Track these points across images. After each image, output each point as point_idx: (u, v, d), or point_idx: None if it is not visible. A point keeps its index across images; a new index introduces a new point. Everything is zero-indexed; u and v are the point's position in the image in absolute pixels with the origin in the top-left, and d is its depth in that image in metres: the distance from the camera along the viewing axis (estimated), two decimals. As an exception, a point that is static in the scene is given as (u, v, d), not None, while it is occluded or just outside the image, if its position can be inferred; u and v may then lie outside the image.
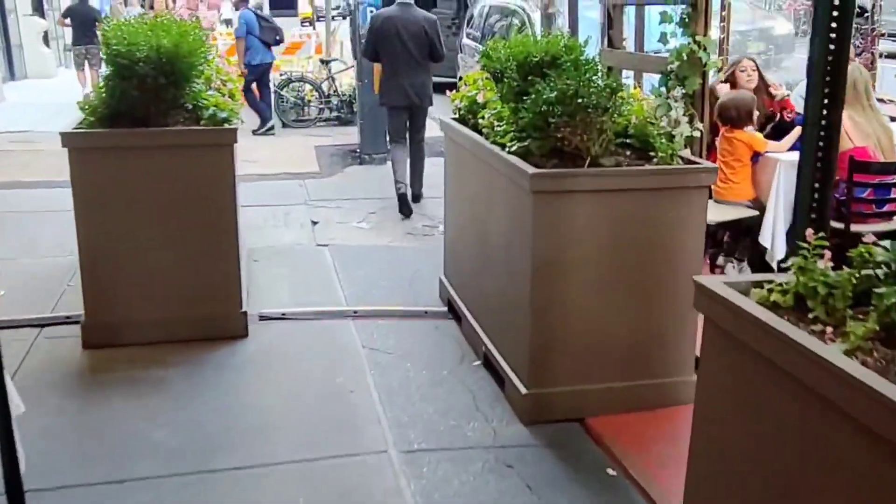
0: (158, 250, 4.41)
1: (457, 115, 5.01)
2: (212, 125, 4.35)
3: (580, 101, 3.59)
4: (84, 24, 14.84)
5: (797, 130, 5.40)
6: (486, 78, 4.81)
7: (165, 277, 4.45)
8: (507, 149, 3.89)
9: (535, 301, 3.69)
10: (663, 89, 4.13)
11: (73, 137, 4.25)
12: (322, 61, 12.52)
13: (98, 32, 15.74)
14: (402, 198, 7.42)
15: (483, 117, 4.42)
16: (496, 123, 4.18)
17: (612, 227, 3.64)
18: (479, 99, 4.59)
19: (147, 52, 4.26)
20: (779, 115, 5.74)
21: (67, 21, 15.30)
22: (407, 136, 7.78)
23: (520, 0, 10.10)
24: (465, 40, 11.71)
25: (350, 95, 11.91)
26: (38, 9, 18.91)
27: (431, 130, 9.48)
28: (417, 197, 7.75)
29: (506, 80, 4.18)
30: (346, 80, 12.41)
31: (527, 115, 3.76)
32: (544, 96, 3.68)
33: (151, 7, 12.60)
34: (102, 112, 4.38)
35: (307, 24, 20.61)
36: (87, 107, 4.46)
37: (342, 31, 16.03)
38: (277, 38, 11.66)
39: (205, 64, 4.81)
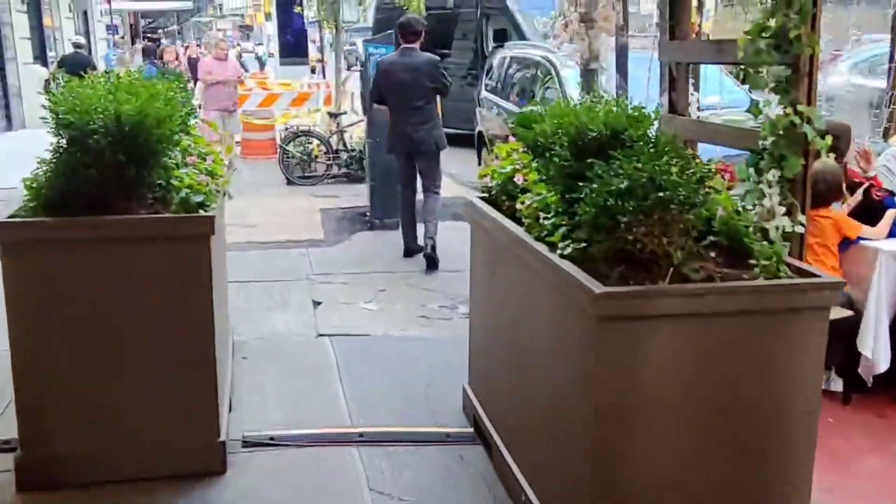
0: (114, 368, 3.51)
1: (486, 195, 4.14)
2: (183, 211, 3.47)
3: (661, 194, 2.70)
4: (77, 73, 14.56)
5: (892, 213, 4.51)
6: (524, 151, 3.95)
7: (122, 402, 3.54)
8: (558, 250, 3.00)
9: (596, 452, 2.77)
10: (752, 171, 3.26)
11: (6, 229, 3.38)
12: (331, 114, 11.74)
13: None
14: (407, 249, 7.42)
15: (523, 203, 3.54)
16: (542, 214, 3.29)
17: (703, 361, 2.73)
18: (519, 181, 3.71)
19: (104, 121, 3.41)
20: (862, 190, 4.85)
21: (62, 71, 14.62)
22: (419, 188, 7.53)
23: (544, 51, 9.27)
24: (484, 93, 10.93)
25: (360, 151, 11.10)
26: (41, 57, 18.34)
27: (450, 189, 8.66)
28: (431, 259, 7.16)
29: (553, 157, 3.30)
30: (357, 134, 11.63)
31: (587, 210, 2.86)
32: (611, 186, 2.79)
33: (161, 58, 12.00)
34: (49, 195, 3.51)
35: (314, 71, 20.01)
36: (32, 186, 3.60)
37: (353, 82, 15.34)
38: None
39: (181, 133, 3.97)
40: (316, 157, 11.19)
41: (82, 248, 3.43)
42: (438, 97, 7.42)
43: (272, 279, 6.81)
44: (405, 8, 11.73)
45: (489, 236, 3.91)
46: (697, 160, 2.97)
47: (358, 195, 9.68)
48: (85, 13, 25.54)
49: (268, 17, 29.87)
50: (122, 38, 38.65)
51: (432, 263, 7.15)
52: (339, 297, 6.42)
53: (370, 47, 8.37)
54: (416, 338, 5.61)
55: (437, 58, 7.52)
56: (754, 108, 3.27)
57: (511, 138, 4.23)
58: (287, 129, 11.71)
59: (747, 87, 4.23)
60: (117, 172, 3.49)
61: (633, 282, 2.82)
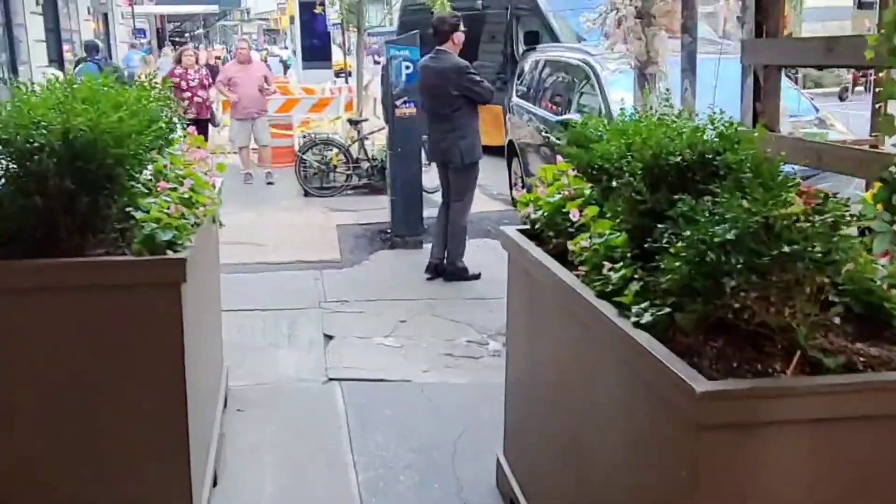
0: (61, 447, 2.79)
1: (527, 227, 3.38)
2: (147, 252, 2.74)
3: (788, 248, 1.93)
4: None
5: None
6: (575, 175, 3.19)
7: (67, 476, 2.81)
8: (632, 317, 2.24)
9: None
10: (881, 207, 2.48)
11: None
12: (351, 121, 11.02)
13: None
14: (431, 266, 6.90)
15: (578, 245, 2.77)
16: (606, 264, 2.52)
17: (845, 481, 1.95)
18: (574, 216, 2.95)
19: (47, 138, 2.69)
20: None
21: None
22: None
23: (582, 53, 8.47)
24: (515, 99, 10.16)
25: (382, 160, 10.37)
26: (57, 60, 17.78)
27: (479, 203, 7.90)
28: (435, 269, 6.88)
29: (620, 187, 2.54)
30: (379, 142, 10.92)
31: (675, 266, 2.10)
32: (710, 233, 2.03)
33: (179, 61, 11.30)
34: (-14, 230, 2.80)
35: (343, 75, 19.31)
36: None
37: (376, 86, 14.63)
38: None
39: (156, 150, 3.24)
40: (335, 166, 10.48)
41: (27, 298, 2.71)
42: (475, 104, 6.76)
43: (280, 307, 6.08)
44: (432, 10, 11.03)
45: (531, 279, 3.15)
46: (826, 196, 2.19)
47: (378, 209, 8.94)
48: (105, 16, 25.06)
49: (291, 20, 29.31)
50: (142, 42, 38.29)
51: (436, 274, 6.84)
52: (354, 330, 5.68)
53: (392, 48, 7.64)
54: (441, 384, 4.85)
55: (465, 63, 6.80)
56: (886, 124, 2.48)
57: (542, 147, 3.47)
58: (305, 136, 11.03)
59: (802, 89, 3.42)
60: (67, 201, 2.77)
61: (738, 363, 2.05)
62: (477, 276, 6.90)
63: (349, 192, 10.46)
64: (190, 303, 2.90)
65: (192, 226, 3.02)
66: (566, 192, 3.21)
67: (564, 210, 3.08)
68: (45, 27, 17.34)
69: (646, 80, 4.33)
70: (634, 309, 2.26)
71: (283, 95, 13.08)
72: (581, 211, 2.91)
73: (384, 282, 6.79)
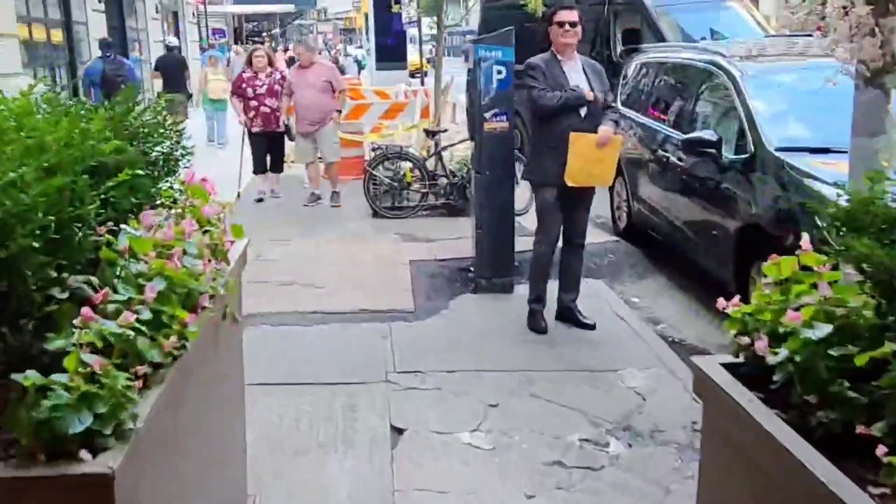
0: None
1: (741, 362, 1.95)
2: (43, 455, 1.40)
3: None
4: (172, 73, 14.78)
5: None
6: (844, 278, 1.75)
7: None
8: None
9: None
10: None
11: None
12: (427, 132, 9.65)
13: (186, 81, 13.35)
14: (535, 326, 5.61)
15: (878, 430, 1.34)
16: None
17: None
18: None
19: None
20: None
21: (158, 73, 15.16)
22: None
23: (710, 54, 6.91)
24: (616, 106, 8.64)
25: (463, 176, 9.02)
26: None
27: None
28: (585, 323, 5.66)
29: None
30: (459, 153, 9.56)
31: None
32: None
33: (250, 63, 9.90)
34: None
35: (419, 76, 17.98)
36: None
37: (455, 90, 13.27)
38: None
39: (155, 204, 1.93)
40: (409, 183, 9.14)
41: None
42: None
43: (335, 380, 4.76)
44: (522, 5, 9.62)
45: (755, 465, 1.72)
46: None
47: (458, 238, 7.56)
48: (175, 14, 24.31)
49: (366, 17, 28.21)
50: (220, 42, 37.77)
51: (587, 326, 5.67)
52: (430, 419, 4.32)
53: (481, 49, 6.24)
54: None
55: (529, 62, 5.46)
56: None
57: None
58: (375, 149, 9.68)
59: None
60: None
61: None
62: (591, 327, 5.61)
63: (424, 212, 9.11)
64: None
65: (160, 368, 1.68)
66: (826, 309, 1.78)
67: (839, 355, 1.65)
68: (108, 25, 16.49)
69: (885, 94, 2.86)
70: None
71: (354, 100, 11.76)
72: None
73: (467, 342, 5.41)
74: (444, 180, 9.16)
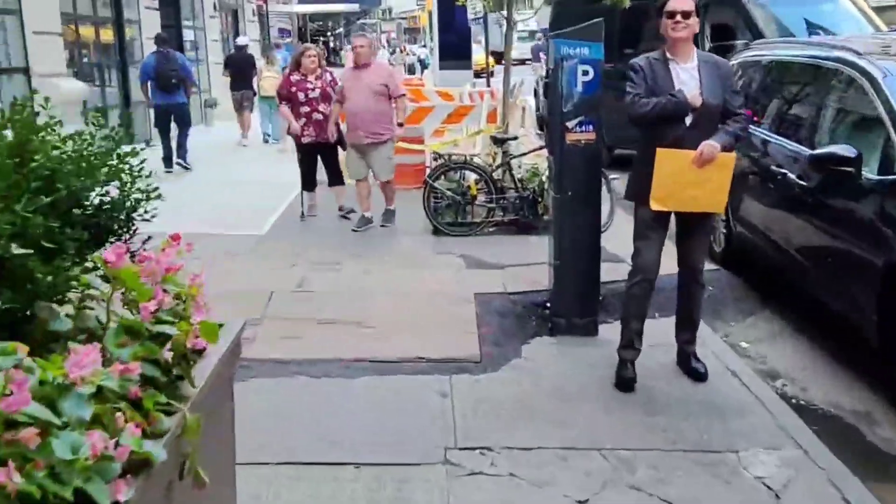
0: None
1: None
2: None
3: None
4: (241, 70, 14.98)
5: None
6: None
7: None
8: None
9: None
10: None
11: None
12: (495, 140, 8.63)
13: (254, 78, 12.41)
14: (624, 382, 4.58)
15: None
16: None
17: None
18: None
19: None
20: None
21: (227, 73, 15.39)
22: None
23: (846, 51, 5.68)
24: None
25: (534, 189, 8.02)
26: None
27: (669, 262, 5.36)
28: (696, 370, 4.69)
29: None
30: (528, 161, 8.55)
31: None
32: None
33: (298, 65, 8.69)
34: None
35: (484, 76, 16.94)
36: None
37: (526, 92, 12.23)
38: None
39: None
40: (473, 197, 8.15)
41: None
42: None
43: (381, 458, 3.79)
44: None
45: None
46: None
47: (531, 264, 6.55)
48: (235, 13, 23.72)
49: (430, 14, 27.34)
50: (286, 41, 37.29)
51: (697, 375, 4.69)
52: (502, 522, 3.34)
53: (563, 45, 5.21)
54: None
55: (629, 64, 4.57)
56: None
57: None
58: (437, 158, 8.66)
59: None
60: None
61: None
62: (701, 376, 4.68)
63: (490, 229, 8.12)
64: None
65: None
66: None
67: None
68: (161, 24, 15.88)
69: None
70: None
71: (416, 102, 10.80)
72: None
73: (547, 406, 4.39)
74: (514, 193, 8.16)
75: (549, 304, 5.61)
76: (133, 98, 14.65)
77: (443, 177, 8.25)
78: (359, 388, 4.56)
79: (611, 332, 5.14)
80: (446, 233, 8.01)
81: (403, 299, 5.92)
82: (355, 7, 49.42)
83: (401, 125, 8.29)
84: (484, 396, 4.47)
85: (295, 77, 8.62)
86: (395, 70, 16.07)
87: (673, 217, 4.60)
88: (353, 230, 8.26)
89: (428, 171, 9.61)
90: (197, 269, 1.80)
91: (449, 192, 8.16)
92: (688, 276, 4.69)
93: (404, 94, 8.53)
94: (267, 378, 4.59)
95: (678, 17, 4.32)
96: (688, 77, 4.36)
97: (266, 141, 14.88)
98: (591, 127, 5.17)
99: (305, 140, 8.55)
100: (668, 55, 4.40)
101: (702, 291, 4.80)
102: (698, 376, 4.66)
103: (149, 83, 11.71)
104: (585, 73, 5.14)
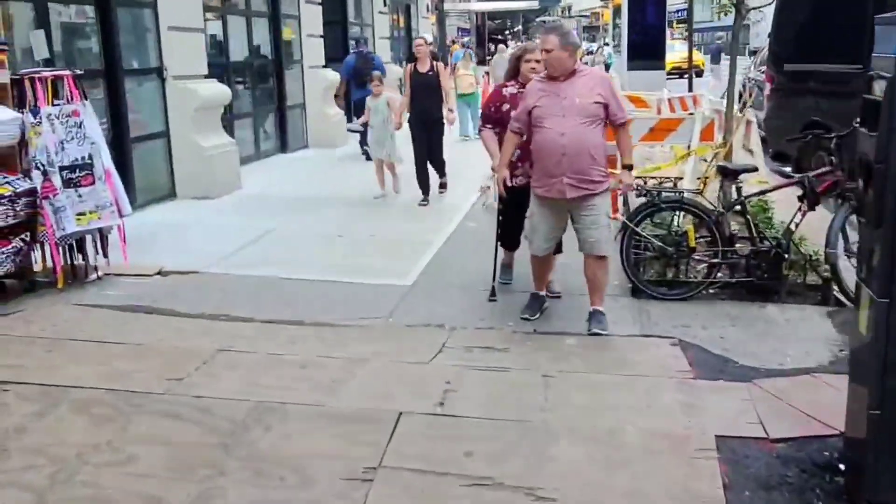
0: None
1: None
2: None
3: None
4: (361, 77, 12.16)
5: None
6: None
7: None
8: None
9: None
10: None
11: None
12: (724, 171, 6.31)
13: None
14: None
15: None
16: None
17: None
18: None
19: None
20: None
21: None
22: None
23: None
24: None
25: (779, 240, 5.74)
26: (339, 59, 14.73)
27: None
28: None
29: None
30: (761, 207, 6.25)
31: None
32: None
33: (516, 73, 6.15)
34: None
35: (685, 76, 14.50)
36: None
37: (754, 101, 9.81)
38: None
39: None
40: (692, 249, 5.93)
41: None
42: None
43: None
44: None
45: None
46: None
47: (785, 368, 4.29)
48: (408, 8, 22.28)
49: (617, 11, 24.91)
50: (463, 41, 35.91)
51: None
52: None
53: None
54: None
55: None
56: None
57: None
58: (641, 194, 6.37)
59: None
60: None
61: None
62: None
63: (714, 291, 5.91)
64: None
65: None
66: None
67: None
68: (324, 20, 14.48)
69: None
70: None
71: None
72: None
73: None
74: (748, 246, 5.89)
75: (842, 465, 3.37)
76: (288, 101, 13.31)
77: (649, 220, 6.09)
78: None
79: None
80: (651, 294, 5.84)
81: (602, 447, 3.70)
82: (535, 4, 47.78)
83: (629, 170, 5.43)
84: None
85: (509, 90, 5.88)
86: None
87: None
88: (523, 318, 5.49)
89: (621, 203, 7.48)
90: None
91: (657, 242, 5.98)
92: None
93: (629, 121, 5.42)
94: None
95: None
96: None
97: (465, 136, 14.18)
98: None
99: (519, 182, 5.63)
100: None
101: None
102: None
103: (349, 81, 12.86)
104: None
